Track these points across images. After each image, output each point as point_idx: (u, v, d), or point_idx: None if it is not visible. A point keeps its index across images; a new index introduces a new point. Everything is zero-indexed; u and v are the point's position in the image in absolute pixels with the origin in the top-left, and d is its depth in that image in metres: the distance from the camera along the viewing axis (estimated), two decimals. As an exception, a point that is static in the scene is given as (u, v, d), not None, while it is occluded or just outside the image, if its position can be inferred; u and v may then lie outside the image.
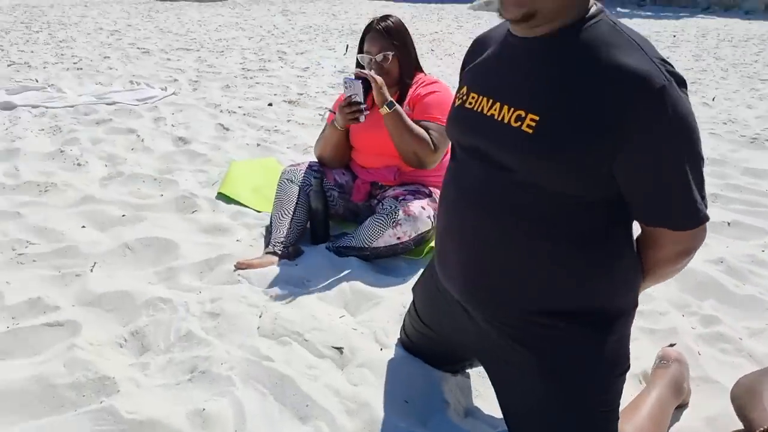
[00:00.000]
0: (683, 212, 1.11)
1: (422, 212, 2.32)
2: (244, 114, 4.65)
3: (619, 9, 15.79)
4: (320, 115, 4.65)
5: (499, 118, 1.17)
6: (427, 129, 2.33)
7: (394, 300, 2.08)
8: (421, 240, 2.36)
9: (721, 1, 15.59)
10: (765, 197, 3.30)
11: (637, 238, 1.26)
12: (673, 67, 1.06)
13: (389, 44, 2.39)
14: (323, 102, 5.15)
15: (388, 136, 2.35)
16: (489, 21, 13.44)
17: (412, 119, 2.34)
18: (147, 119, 4.43)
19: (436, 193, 2.48)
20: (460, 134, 1.32)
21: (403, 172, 2.50)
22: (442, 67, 7.11)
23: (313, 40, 9.44)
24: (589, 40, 1.09)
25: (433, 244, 2.36)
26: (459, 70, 1.46)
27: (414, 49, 2.52)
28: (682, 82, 1.06)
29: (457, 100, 1.34)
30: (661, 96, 1.01)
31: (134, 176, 3.16)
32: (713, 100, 5.76)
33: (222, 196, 2.94)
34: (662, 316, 2.07)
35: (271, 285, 2.09)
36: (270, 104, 4.99)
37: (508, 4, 1.09)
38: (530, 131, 1.11)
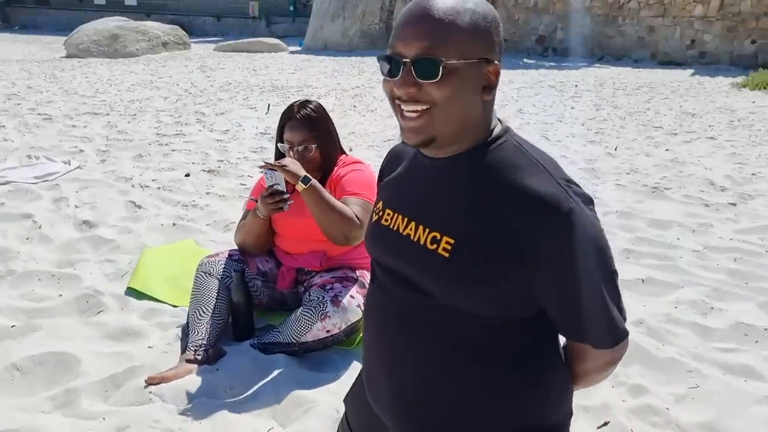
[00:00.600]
0: (603, 331, 1.12)
1: (351, 302, 2.20)
2: (159, 188, 4.39)
3: (525, 60, 16.64)
4: (242, 184, 4.47)
5: (415, 239, 1.15)
6: (348, 205, 2.23)
7: (328, 404, 1.93)
8: (352, 330, 2.23)
9: (613, 51, 16.83)
10: (671, 249, 3.45)
11: (563, 347, 1.25)
12: (578, 186, 1.07)
13: (310, 134, 2.30)
14: (245, 170, 4.98)
15: (313, 221, 2.23)
16: (408, 72, 13.75)
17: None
18: (46, 200, 4.04)
19: (364, 276, 2.37)
20: (378, 253, 1.27)
21: (329, 256, 2.37)
22: (365, 124, 7.14)
23: (234, 98, 9.27)
24: (496, 162, 1.09)
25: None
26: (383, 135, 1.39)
27: (336, 134, 2.44)
28: (588, 201, 1.07)
29: (374, 215, 1.30)
30: (569, 219, 1.01)
31: (28, 274, 2.84)
32: (615, 149, 6.05)
33: (132, 291, 2.69)
34: (594, 390, 2.08)
35: (190, 400, 1.89)
36: (187, 175, 4.76)
37: (406, 131, 1.07)
38: (446, 255, 1.08)
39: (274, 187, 2.18)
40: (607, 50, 17.01)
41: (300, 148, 2.30)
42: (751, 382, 2.23)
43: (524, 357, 1.17)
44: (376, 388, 1.29)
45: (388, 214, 1.24)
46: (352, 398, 1.55)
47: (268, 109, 8.03)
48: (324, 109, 2.40)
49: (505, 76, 13.26)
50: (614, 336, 1.13)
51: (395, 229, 1.20)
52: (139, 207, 3.90)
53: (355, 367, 2.18)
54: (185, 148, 5.74)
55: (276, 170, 2.15)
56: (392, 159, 1.35)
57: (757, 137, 6.75)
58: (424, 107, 1.04)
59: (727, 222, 3.93)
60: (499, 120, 1.15)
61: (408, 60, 1.02)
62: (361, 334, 2.24)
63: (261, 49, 19.66)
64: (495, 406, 1.17)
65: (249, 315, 2.32)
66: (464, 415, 1.18)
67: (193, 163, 5.15)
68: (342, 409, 1.89)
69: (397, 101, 1.06)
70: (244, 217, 2.45)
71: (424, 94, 1.03)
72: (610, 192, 4.52)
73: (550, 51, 17.74)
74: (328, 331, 2.15)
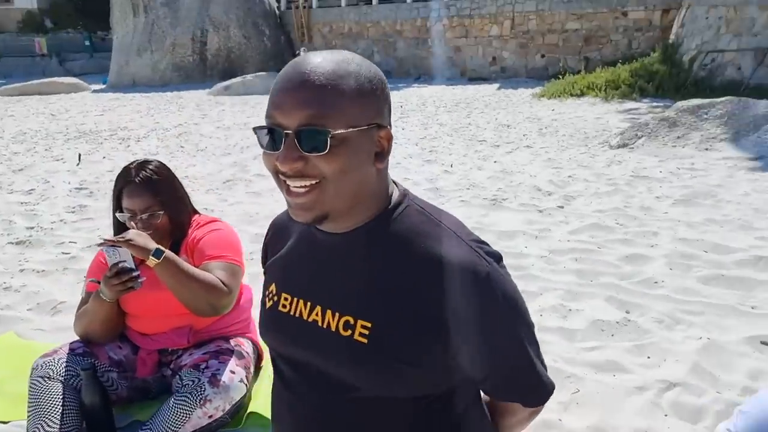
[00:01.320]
0: (533, 389, 1.10)
1: (233, 378, 1.97)
2: (-43, 272, 3.66)
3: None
4: (64, 253, 3.89)
5: (324, 326, 1.03)
6: (211, 271, 2.00)
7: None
8: (237, 409, 1.99)
9: (427, 71, 18.05)
10: (522, 258, 3.67)
11: (486, 403, 1.22)
12: (488, 245, 1.04)
13: (154, 199, 2.02)
14: (65, 235, 4.33)
15: (171, 295, 1.96)
16: (231, 105, 13.38)
17: (194, 266, 2.00)
18: None
19: (241, 344, 2.15)
20: (279, 344, 1.13)
21: (196, 330, 2.12)
22: (197, 165, 6.73)
23: (32, 150, 8.19)
24: (402, 232, 1.02)
25: (252, 408, 2.03)
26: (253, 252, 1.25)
27: (185, 194, 2.19)
28: (499, 259, 1.04)
29: (267, 301, 1.15)
30: (488, 282, 0.98)
31: None
32: (452, 166, 6.39)
33: (-56, 412, 2.16)
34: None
35: None
36: (-8, 251, 4.04)
37: (295, 208, 0.96)
38: (364, 341, 0.99)
39: (120, 265, 1.88)
40: (422, 70, 18.12)
41: (144, 216, 2.02)
42: (619, 375, 2.40)
43: (463, 423, 1.11)
44: None
45: (286, 299, 1.10)
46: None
47: (80, 160, 7.21)
48: (167, 168, 2.14)
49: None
50: (543, 394, 1.11)
51: (297, 315, 1.08)
52: (-65, 299, 3.20)
53: (247, 449, 1.95)
54: (-20, 218, 4.89)
55: (120, 246, 1.86)
56: (276, 233, 1.22)
57: (564, 142, 7.56)
58: (313, 182, 0.92)
59: (561, 225, 4.29)
60: (395, 183, 1.08)
61: (290, 131, 0.90)
62: (247, 411, 2.03)
63: (57, 90, 17.90)
64: None
65: (108, 415, 1.97)
66: None
67: (-5, 236, 4.39)
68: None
69: (281, 176, 0.94)
70: (83, 303, 2.09)
71: (311, 168, 0.91)
72: (457, 209, 4.71)
73: (368, 74, 18.50)
74: (210, 417, 1.89)
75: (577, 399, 2.26)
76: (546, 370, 1.11)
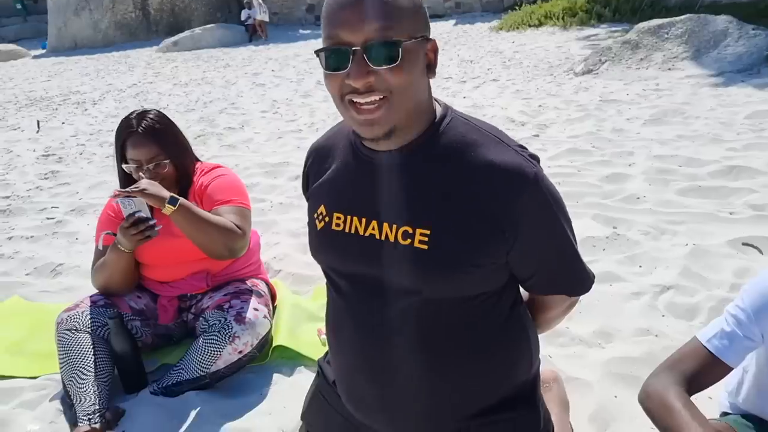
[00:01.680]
0: (579, 280, 1.19)
1: (257, 314, 2.02)
2: (-60, 244, 3.57)
3: (301, 30, 16.65)
4: (49, 218, 3.82)
5: (382, 238, 1.08)
6: (223, 215, 2.03)
7: (267, 428, 1.79)
8: (263, 344, 2.06)
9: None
10: None
11: (527, 302, 1.30)
12: (527, 149, 1.10)
13: (159, 149, 2.01)
14: (44, 201, 4.24)
15: (186, 241, 2.00)
16: (184, 61, 12.92)
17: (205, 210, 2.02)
18: None
19: (257, 285, 2.20)
20: (338, 261, 1.18)
21: (213, 274, 2.15)
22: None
23: (-16, 119, 7.85)
24: (451, 142, 1.07)
25: (276, 342, 2.10)
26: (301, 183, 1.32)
27: (186, 141, 2.17)
28: (538, 160, 1.10)
29: (318, 223, 1.19)
30: (536, 183, 1.04)
31: None
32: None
33: (-32, 376, 2.16)
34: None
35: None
36: (-29, 221, 3.93)
37: (364, 125, 0.99)
38: (425, 247, 1.05)
39: (136, 214, 1.88)
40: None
41: (151, 165, 2.01)
42: (615, 284, 2.54)
43: (508, 322, 1.19)
44: (362, 399, 1.24)
45: (339, 218, 1.15)
46: (315, 415, 1.46)
47: (39, 127, 6.95)
48: (166, 116, 2.12)
49: (289, 50, 13.16)
50: (588, 282, 1.20)
51: (353, 232, 1.12)
52: (-77, 274, 3.13)
53: (277, 381, 2.03)
54: (-50, 191, 4.72)
55: (134, 197, 1.86)
56: (317, 159, 1.25)
57: (529, 73, 7.60)
58: (381, 96, 0.95)
59: (539, 152, 4.37)
60: (435, 100, 1.12)
61: (359, 48, 0.93)
62: (273, 346, 2.10)
63: (-6, 59, 16.91)
64: (493, 378, 1.19)
65: (138, 362, 2.01)
66: (467, 396, 1.18)
67: (-30, 207, 4.26)
68: (287, 427, 1.77)
69: (348, 96, 0.96)
70: (99, 256, 2.10)
71: (380, 82, 0.95)
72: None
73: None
74: (240, 352, 1.96)
75: (580, 308, 2.39)
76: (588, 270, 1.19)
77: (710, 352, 1.21)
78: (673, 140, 4.31)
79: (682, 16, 7.26)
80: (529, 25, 11.64)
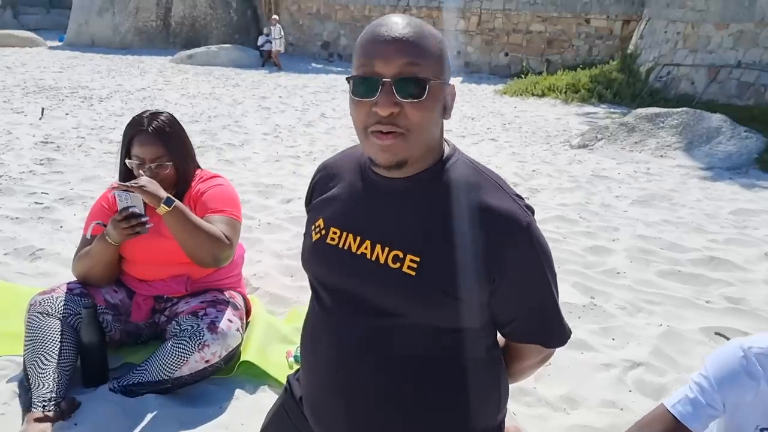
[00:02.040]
0: (557, 332, 1.22)
1: (230, 326, 2.02)
2: None
3: (313, 64, 17.00)
4: (37, 203, 3.80)
5: (373, 258, 1.13)
6: (213, 223, 2.05)
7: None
8: (231, 357, 2.05)
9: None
10: None
11: (502, 348, 1.32)
12: (525, 200, 1.16)
13: (164, 150, 2.05)
14: (35, 185, 4.24)
15: (173, 243, 2.01)
16: (195, 74, 13.08)
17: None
18: None
19: (234, 297, 2.21)
20: (326, 273, 1.22)
21: (194, 280, 2.16)
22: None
23: (-11, 101, 7.86)
24: (454, 181, 1.13)
25: (244, 357, 2.09)
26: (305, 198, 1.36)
27: (192, 148, 2.21)
28: (533, 212, 1.16)
29: (314, 234, 1.24)
30: (528, 232, 1.09)
31: None
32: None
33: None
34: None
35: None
36: (-42, 195, 3.91)
37: (380, 152, 1.06)
38: (412, 273, 1.09)
39: (130, 209, 1.90)
40: (387, 58, 18.16)
41: (153, 165, 2.05)
42: (587, 353, 2.56)
43: (482, 363, 1.22)
44: (328, 417, 1.24)
45: (334, 233, 1.19)
46: (275, 428, 1.46)
47: (42, 114, 6.98)
48: (177, 121, 2.16)
49: (298, 80, 13.38)
50: (565, 336, 1.23)
51: (345, 248, 1.17)
52: None
53: (239, 396, 2.01)
54: (-58, 164, 4.71)
55: (132, 191, 1.89)
56: (325, 176, 1.31)
57: (527, 138, 7.79)
58: (401, 130, 1.03)
59: (528, 214, 4.45)
60: (445, 140, 1.19)
61: (389, 80, 1.00)
62: (240, 360, 2.09)
63: (10, 44, 17.05)
64: (459, 414, 1.20)
65: (103, 356, 1.99)
66: (433, 426, 1.19)
67: (-40, 184, 4.24)
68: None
69: (372, 126, 1.04)
70: (84, 245, 2.10)
71: (402, 117, 1.02)
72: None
73: (335, 56, 18.36)
74: (207, 361, 1.95)
75: (549, 371, 2.41)
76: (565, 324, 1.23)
77: (675, 417, 1.24)
78: (658, 223, 4.41)
79: (679, 109, 7.53)
80: (533, 94, 11.97)
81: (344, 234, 1.17)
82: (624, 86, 11.63)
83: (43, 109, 7.24)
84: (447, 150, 1.16)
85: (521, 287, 1.12)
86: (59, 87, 9.59)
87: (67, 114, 7.26)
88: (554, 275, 1.18)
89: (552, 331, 1.21)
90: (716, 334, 2.78)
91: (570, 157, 6.70)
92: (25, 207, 3.76)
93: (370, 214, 1.16)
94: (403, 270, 1.09)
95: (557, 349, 2.51)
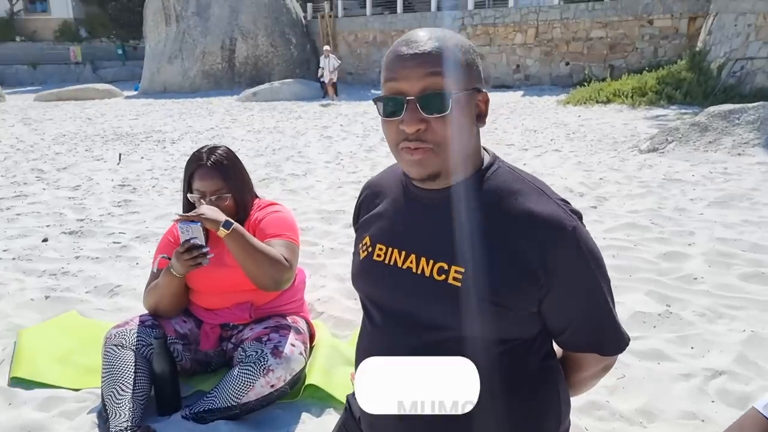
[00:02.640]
0: (612, 339, 1.17)
1: (293, 350, 2.06)
2: (14, 258, 3.81)
3: (373, 90, 17.27)
4: (115, 242, 4.05)
5: (418, 272, 1.13)
6: (273, 247, 2.11)
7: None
8: (296, 381, 2.09)
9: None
10: None
11: (560, 359, 1.28)
12: (570, 204, 1.13)
13: (223, 182, 2.14)
14: (114, 227, 4.51)
15: (235, 272, 2.08)
16: (260, 111, 13.60)
17: None
18: None
19: (297, 322, 2.25)
20: (374, 290, 1.23)
21: (257, 307, 2.22)
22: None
23: (73, 151, 8.46)
24: (495, 188, 1.12)
25: (309, 381, 2.12)
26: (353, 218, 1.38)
27: (249, 178, 2.30)
28: (581, 216, 1.12)
29: (361, 252, 1.26)
30: (574, 237, 1.06)
31: None
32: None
33: (18, 381, 2.28)
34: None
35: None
36: (45, 240, 4.20)
37: (413, 166, 1.07)
38: (458, 284, 1.08)
39: (191, 241, 1.99)
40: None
41: (213, 197, 2.14)
42: (663, 363, 2.43)
43: (539, 374, 1.19)
44: None
45: (380, 249, 1.20)
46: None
47: (120, 159, 7.45)
48: (234, 154, 2.26)
49: (359, 107, 13.64)
50: (621, 344, 1.18)
51: (391, 263, 1.17)
52: (-3, 283, 3.36)
53: (305, 420, 2.04)
54: (33, 210, 5.09)
55: (191, 223, 1.97)
56: (370, 195, 1.33)
57: (593, 146, 7.57)
58: (430, 145, 1.04)
59: (595, 223, 4.31)
60: (484, 148, 1.18)
61: (413, 97, 1.02)
62: (305, 384, 2.12)
63: (91, 96, 18.37)
64: (519, 428, 1.17)
65: (175, 385, 2.07)
66: None
67: (48, 226, 4.57)
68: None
69: (402, 144, 1.05)
70: (153, 278, 2.21)
71: (429, 132, 1.03)
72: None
73: (393, 81, 18.63)
74: (272, 386, 1.99)
75: (623, 384, 2.30)
76: (623, 332, 1.18)
77: None
78: (738, 224, 4.16)
79: (755, 103, 7.12)
80: (597, 101, 11.66)
81: (389, 249, 1.18)
82: (695, 85, 11.14)
83: (120, 154, 7.74)
84: (487, 159, 1.16)
85: (571, 293, 1.09)
86: (135, 133, 10.22)
87: (142, 157, 7.72)
88: (607, 280, 1.14)
89: (608, 338, 1.17)
90: (807, 338, 2.57)
91: (639, 163, 6.45)
92: (104, 247, 4.01)
93: (412, 227, 1.16)
94: (449, 282, 1.08)
95: (631, 361, 2.44)
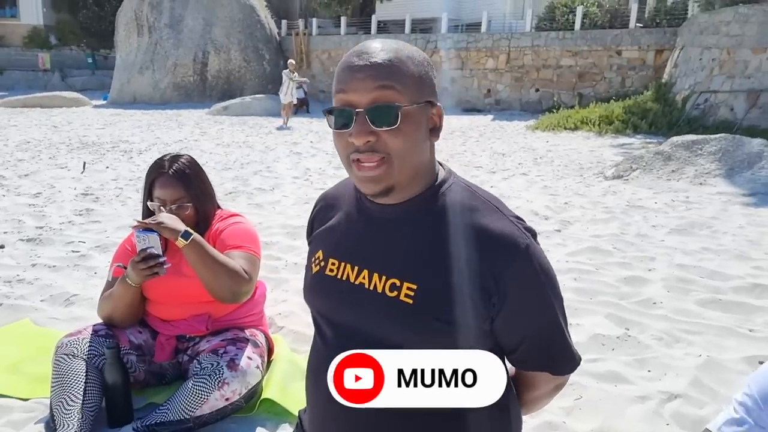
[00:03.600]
0: (564, 359, 1.16)
1: (250, 363, 2.03)
2: (-31, 265, 3.70)
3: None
4: (74, 251, 3.94)
5: (371, 287, 1.11)
6: (233, 259, 2.08)
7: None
8: (252, 395, 2.05)
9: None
10: None
11: (512, 378, 1.27)
12: (524, 221, 1.12)
13: (185, 192, 2.11)
14: (73, 235, 4.40)
15: (193, 283, 2.04)
16: (230, 125, 13.51)
17: None
18: None
19: (255, 335, 2.21)
20: (325, 305, 1.20)
21: (215, 319, 2.18)
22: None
23: (37, 158, 8.25)
24: (449, 205, 1.10)
25: (265, 395, 2.08)
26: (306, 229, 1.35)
27: (211, 188, 2.27)
28: (534, 234, 1.12)
29: (314, 266, 1.23)
30: (527, 254, 1.05)
31: None
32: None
33: (-36, 390, 2.19)
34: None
35: None
36: (2, 246, 4.07)
37: (365, 182, 1.05)
38: (410, 301, 1.06)
39: (148, 250, 1.95)
40: (418, 99, 18.46)
41: (174, 206, 2.10)
42: (620, 386, 2.46)
43: None
44: None
45: (333, 264, 1.18)
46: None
47: (84, 168, 7.30)
48: (197, 163, 2.23)
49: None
50: (573, 362, 1.17)
51: (344, 278, 1.15)
52: (-52, 290, 3.23)
53: (260, 436, 2.00)
54: (-11, 217, 4.94)
55: (148, 231, 1.94)
56: (324, 207, 1.30)
57: (559, 171, 7.71)
58: (381, 156, 1.02)
59: (559, 247, 4.38)
60: (440, 164, 1.17)
61: (361, 109, 1.00)
62: (260, 398, 2.08)
63: (58, 104, 18.02)
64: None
65: (127, 396, 2.01)
66: None
67: (5, 233, 4.43)
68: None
69: (352, 155, 1.03)
70: (108, 287, 2.16)
71: (380, 144, 1.02)
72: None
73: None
74: (227, 399, 1.95)
75: (580, 405, 2.32)
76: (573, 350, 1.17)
77: None
78: (698, 252, 4.27)
79: (717, 135, 7.36)
80: (565, 128, 11.92)
81: (342, 264, 1.16)
82: (660, 116, 11.48)
83: (84, 163, 7.58)
84: (442, 174, 1.14)
85: (523, 311, 1.08)
86: (101, 142, 10.03)
87: (107, 167, 7.57)
88: (560, 299, 1.13)
89: (560, 357, 1.15)
90: (761, 363, 2.63)
91: (604, 189, 6.59)
92: (62, 255, 3.90)
93: (366, 242, 1.14)
94: (401, 298, 1.06)
95: (588, 383, 2.45)
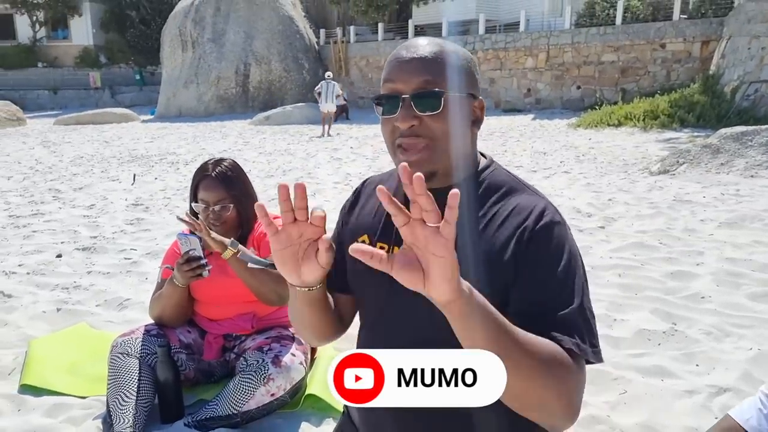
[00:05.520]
0: (585, 336, 1.09)
1: (293, 360, 2.08)
2: (28, 273, 3.90)
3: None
4: (126, 258, 4.12)
5: None
6: None
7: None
8: (296, 390, 2.10)
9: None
10: None
11: None
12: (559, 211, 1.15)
13: (227, 193, 2.19)
14: (125, 243, 4.60)
15: (238, 283, 2.12)
16: (272, 134, 13.78)
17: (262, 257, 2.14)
18: None
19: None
20: (373, 288, 1.21)
21: (259, 317, 2.25)
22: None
23: (90, 172, 8.63)
24: (492, 187, 1.14)
25: (309, 391, 2.13)
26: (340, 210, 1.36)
27: (253, 191, 2.35)
28: (565, 223, 1.13)
29: None
30: (559, 231, 1.08)
31: None
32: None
33: (28, 388, 2.33)
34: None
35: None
36: (59, 255, 4.30)
37: (408, 166, 1.06)
38: None
39: (190, 253, 2.04)
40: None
41: (216, 207, 2.18)
42: (667, 380, 2.42)
43: None
44: None
45: (382, 248, 1.20)
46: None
47: (134, 180, 7.59)
48: (239, 166, 2.31)
49: (369, 130, 13.76)
50: (593, 346, 1.08)
51: None
52: (9, 296, 3.42)
53: (305, 429, 2.05)
54: (48, 228, 5.20)
55: (191, 235, 2.03)
56: (367, 190, 1.33)
57: (603, 168, 7.58)
58: (425, 142, 1.07)
59: (602, 243, 4.31)
60: (481, 154, 1.21)
61: (407, 95, 1.06)
62: (305, 394, 2.14)
63: (109, 120, 18.75)
64: (518, 426, 1.14)
65: (178, 393, 2.10)
66: None
67: (62, 243, 4.67)
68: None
69: (397, 140, 1.08)
70: (158, 288, 2.26)
71: (424, 128, 1.07)
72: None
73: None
74: (272, 395, 2.01)
75: (625, 399, 2.29)
76: (596, 334, 1.10)
77: None
78: (749, 245, 4.13)
79: (768, 125, 7.11)
80: (608, 124, 11.68)
81: (391, 248, 1.18)
82: (708, 108, 11.13)
83: (134, 175, 7.89)
84: (483, 162, 1.19)
85: (539, 266, 1.06)
86: (150, 155, 10.40)
87: (155, 178, 7.86)
88: (582, 277, 1.10)
89: (579, 334, 1.08)
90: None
91: (650, 184, 6.45)
92: (115, 263, 4.09)
93: None
94: None
95: (633, 377, 2.42)
